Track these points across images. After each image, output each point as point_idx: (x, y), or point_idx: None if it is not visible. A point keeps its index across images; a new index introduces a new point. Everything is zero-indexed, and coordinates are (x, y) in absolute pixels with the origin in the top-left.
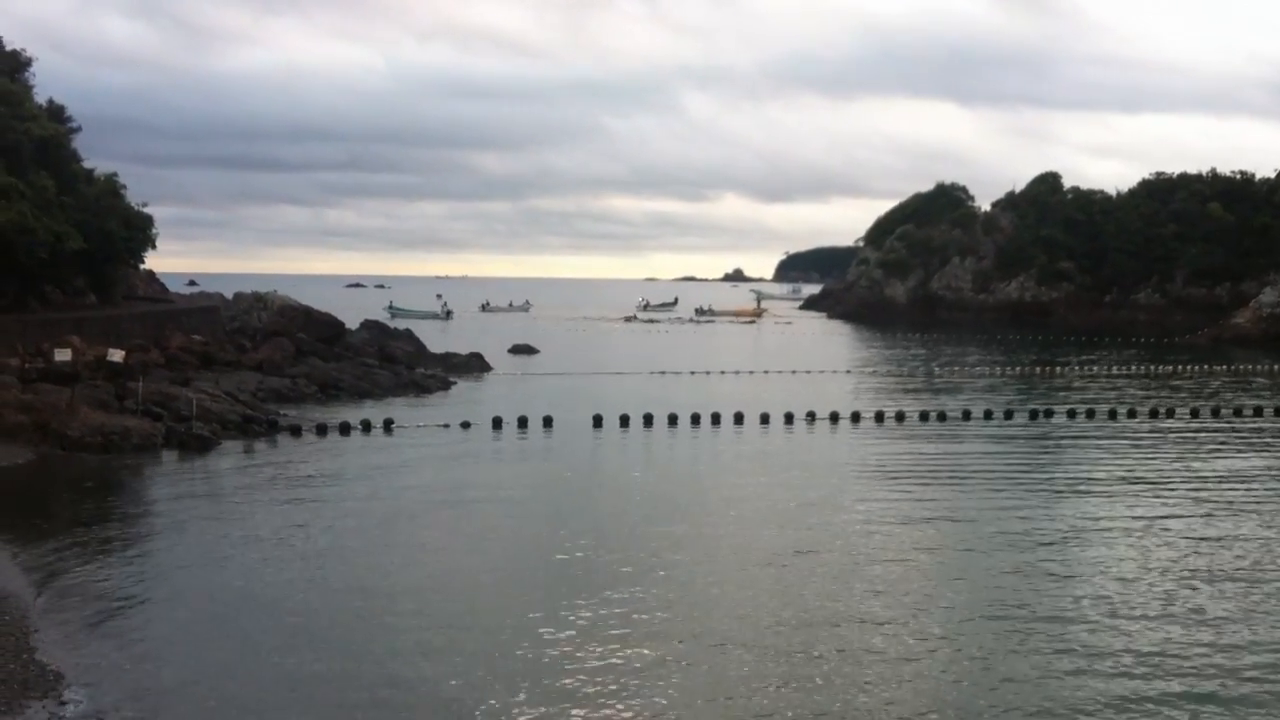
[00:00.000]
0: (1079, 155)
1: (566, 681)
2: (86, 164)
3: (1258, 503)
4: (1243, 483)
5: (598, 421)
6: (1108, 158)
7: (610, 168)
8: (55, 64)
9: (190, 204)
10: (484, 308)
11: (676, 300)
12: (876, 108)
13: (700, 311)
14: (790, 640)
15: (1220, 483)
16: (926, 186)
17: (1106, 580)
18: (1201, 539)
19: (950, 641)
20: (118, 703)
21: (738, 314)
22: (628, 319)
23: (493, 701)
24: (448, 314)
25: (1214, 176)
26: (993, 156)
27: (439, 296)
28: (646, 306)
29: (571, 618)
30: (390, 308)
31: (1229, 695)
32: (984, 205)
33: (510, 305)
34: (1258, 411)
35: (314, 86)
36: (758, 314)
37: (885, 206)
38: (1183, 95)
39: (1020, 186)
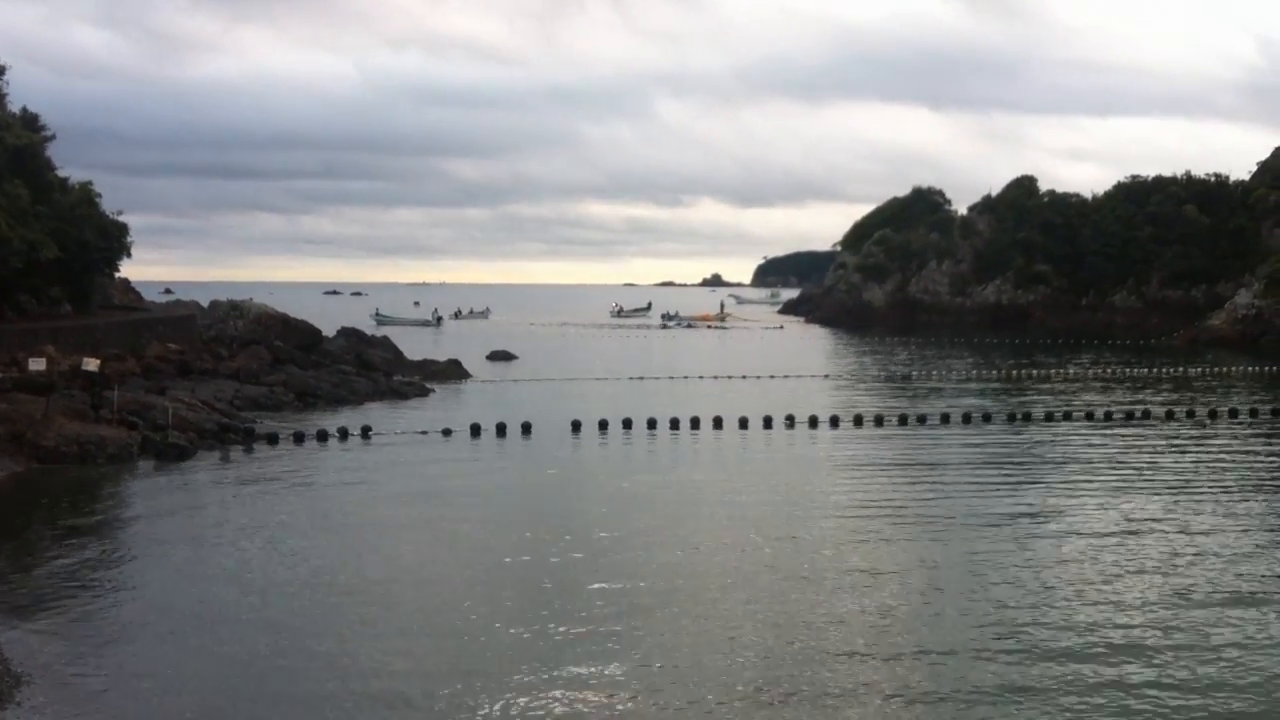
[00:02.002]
0: (1052, 159)
1: (541, 695)
2: (61, 173)
3: (1238, 505)
4: (1221, 485)
5: (576, 427)
6: (1081, 161)
7: (587, 174)
8: (26, 73)
9: (166, 212)
10: (457, 315)
11: (650, 305)
12: (850, 112)
13: (667, 317)
14: (761, 653)
15: (1197, 486)
16: (901, 190)
17: (1085, 586)
18: (1176, 547)
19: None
20: (91, 712)
21: (702, 319)
22: (615, 319)
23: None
24: (438, 321)
25: (1189, 179)
26: (966, 160)
27: (416, 303)
28: (621, 312)
29: (547, 630)
30: (376, 315)
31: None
32: (960, 209)
33: (470, 311)
34: (1233, 414)
35: (287, 95)
36: (721, 319)
37: (861, 211)
38: (1153, 98)
39: (997, 190)
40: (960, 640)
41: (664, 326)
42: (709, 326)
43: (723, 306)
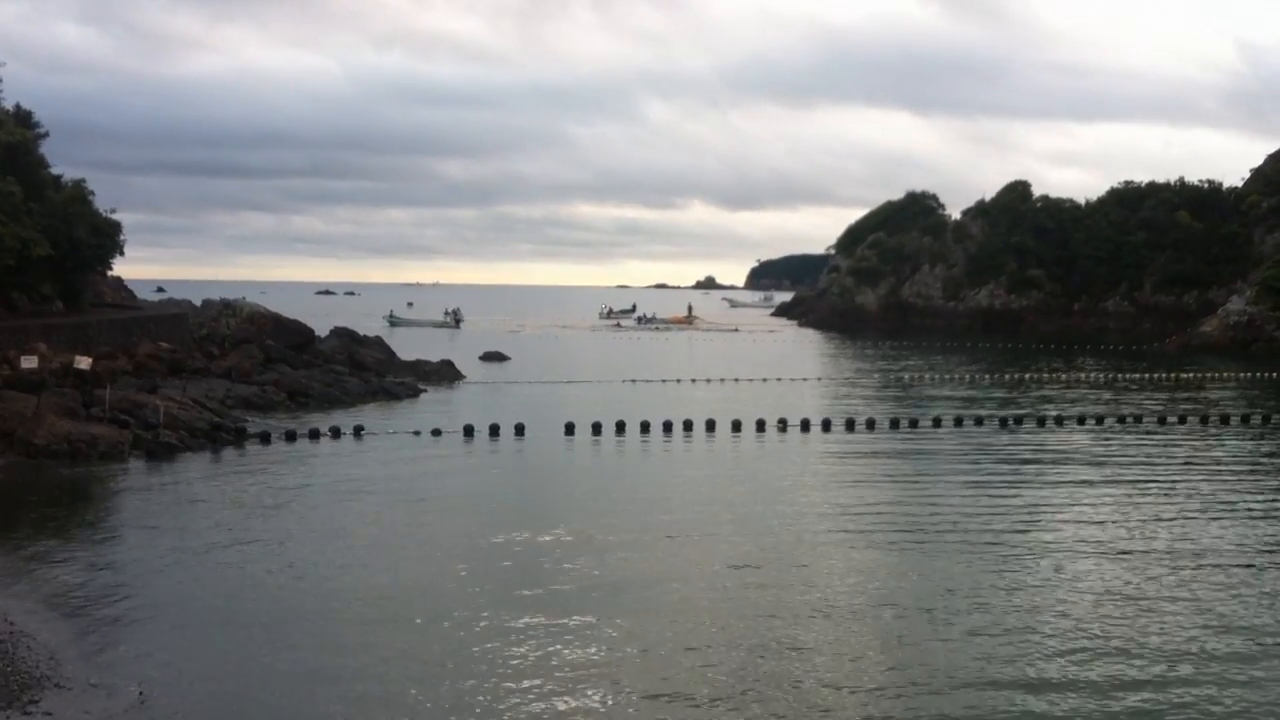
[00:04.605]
0: (1040, 163)
1: (521, 688)
2: (53, 170)
3: (1227, 508)
4: (1216, 495)
5: (569, 429)
6: (1069, 166)
7: (576, 175)
8: (8, 69)
9: (155, 210)
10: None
11: (635, 307)
12: (836, 115)
13: (642, 319)
14: (736, 655)
15: (1188, 494)
16: (890, 194)
17: (1075, 610)
18: (1170, 564)
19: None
20: (97, 708)
21: (671, 321)
22: (613, 325)
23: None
24: (457, 322)
25: (1182, 185)
26: (955, 164)
27: (410, 304)
28: (610, 314)
29: (530, 630)
30: (390, 317)
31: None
32: (951, 213)
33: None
34: (1224, 419)
35: (273, 93)
36: (689, 320)
37: (851, 214)
38: (1138, 104)
39: (988, 194)
40: (943, 671)
41: (642, 325)
42: (679, 328)
43: (690, 309)
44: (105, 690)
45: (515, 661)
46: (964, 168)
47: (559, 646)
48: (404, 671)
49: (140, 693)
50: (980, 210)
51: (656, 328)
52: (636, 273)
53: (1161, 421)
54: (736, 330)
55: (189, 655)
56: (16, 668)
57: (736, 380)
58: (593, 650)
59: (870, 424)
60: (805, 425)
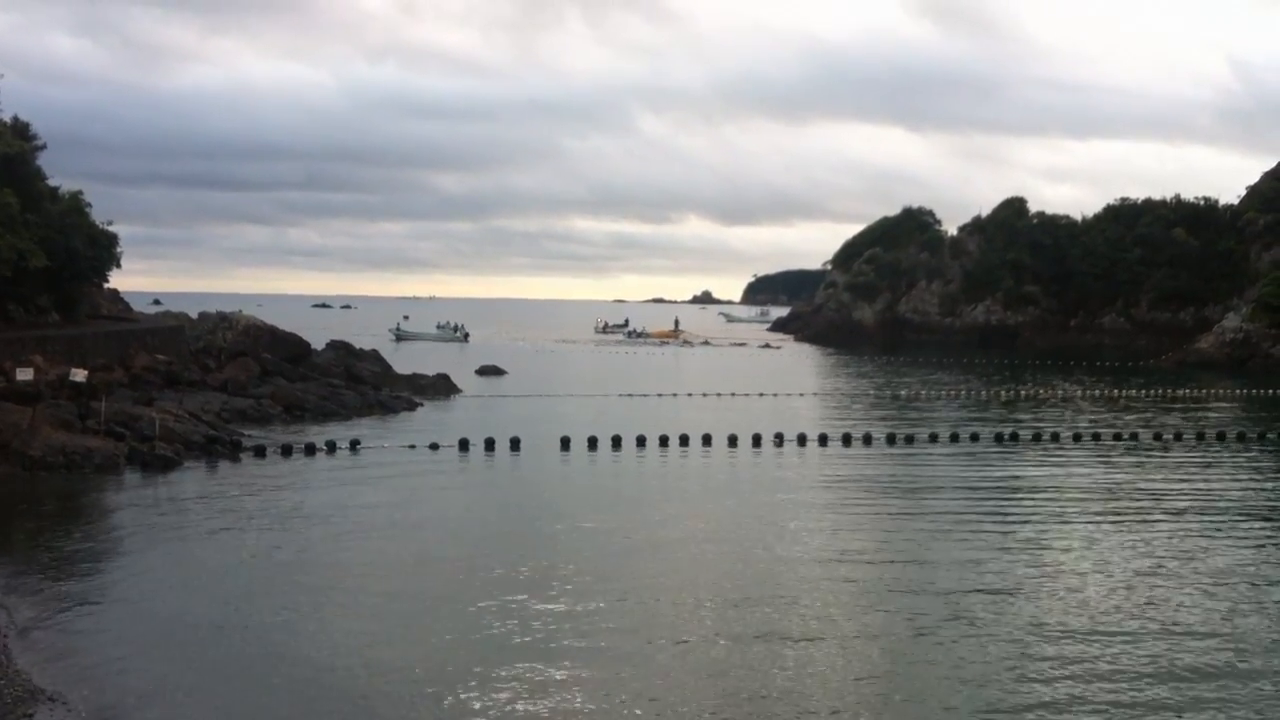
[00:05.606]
0: (1035, 179)
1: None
2: (51, 182)
3: (1220, 529)
4: (1205, 509)
5: (565, 444)
6: (1063, 182)
7: (570, 188)
8: (4, 81)
9: (150, 222)
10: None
11: (628, 322)
12: (830, 130)
13: (631, 333)
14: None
15: (1188, 516)
16: (885, 209)
17: (1075, 647)
18: (1176, 596)
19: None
20: None
21: (657, 335)
22: (615, 339)
23: None
24: (465, 336)
25: (1179, 202)
26: (949, 180)
27: (406, 317)
28: (606, 328)
29: (520, 651)
30: (396, 330)
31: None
32: (947, 229)
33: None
34: (1220, 436)
35: (267, 105)
36: (675, 334)
37: (846, 229)
38: (1132, 120)
39: (983, 210)
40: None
41: (632, 339)
42: (664, 342)
43: (677, 323)
44: (97, 703)
45: (498, 696)
46: (958, 183)
47: (546, 688)
48: (393, 690)
49: (131, 706)
50: (977, 226)
51: (646, 341)
52: (633, 287)
53: (1157, 438)
54: (711, 343)
55: (180, 669)
56: (10, 681)
57: (734, 395)
58: (581, 696)
59: (867, 439)
60: (802, 440)
